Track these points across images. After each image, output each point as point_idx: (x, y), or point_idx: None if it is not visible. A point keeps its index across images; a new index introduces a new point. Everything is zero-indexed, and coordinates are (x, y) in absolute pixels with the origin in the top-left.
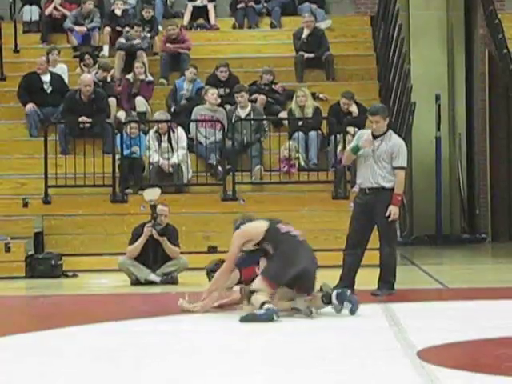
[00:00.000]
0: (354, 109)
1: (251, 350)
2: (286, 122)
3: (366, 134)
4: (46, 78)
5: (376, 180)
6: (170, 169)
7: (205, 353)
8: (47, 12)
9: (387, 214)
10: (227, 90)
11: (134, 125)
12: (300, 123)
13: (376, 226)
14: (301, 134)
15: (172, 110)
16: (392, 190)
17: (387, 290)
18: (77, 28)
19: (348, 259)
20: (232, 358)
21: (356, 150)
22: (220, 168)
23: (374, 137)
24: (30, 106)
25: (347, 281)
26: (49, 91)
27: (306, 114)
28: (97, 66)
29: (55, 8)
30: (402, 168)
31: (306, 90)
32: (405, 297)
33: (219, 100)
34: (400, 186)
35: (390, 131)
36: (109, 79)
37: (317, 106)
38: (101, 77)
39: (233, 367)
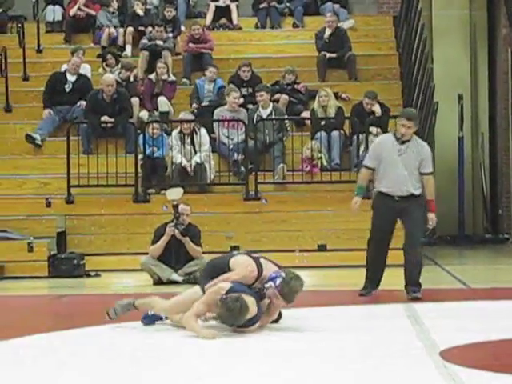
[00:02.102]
0: (377, 109)
1: (272, 349)
2: (308, 122)
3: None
4: (72, 78)
5: (408, 188)
6: (192, 170)
7: (227, 353)
8: (71, 13)
9: (430, 223)
10: (250, 90)
11: (155, 125)
12: (322, 123)
13: (404, 227)
14: (323, 133)
15: (194, 108)
16: (419, 196)
17: (419, 288)
18: (107, 29)
19: (374, 259)
20: (253, 358)
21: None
22: (242, 168)
23: (400, 141)
24: (46, 112)
25: (374, 281)
26: (68, 90)
27: (328, 114)
28: (119, 65)
29: (79, 8)
30: (432, 173)
31: (329, 89)
32: (427, 297)
33: (242, 100)
34: (433, 192)
35: (415, 136)
36: (132, 79)
37: (339, 105)
38: (124, 76)
39: (254, 368)
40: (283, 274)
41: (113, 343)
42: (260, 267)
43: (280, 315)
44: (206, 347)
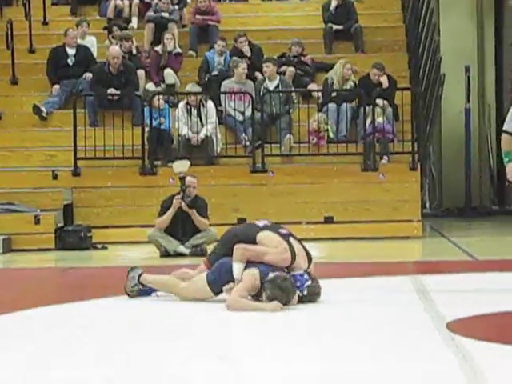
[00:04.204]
0: (384, 80)
1: (281, 323)
2: (315, 94)
3: None
4: (72, 51)
5: None
6: (199, 142)
7: (236, 324)
8: None
9: None
10: (252, 60)
11: (162, 97)
12: (334, 94)
13: None
14: (333, 105)
15: (205, 80)
16: None
17: None
18: (113, 1)
19: None
20: (264, 334)
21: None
22: (248, 142)
23: None
24: (55, 89)
25: None
26: (71, 64)
27: (346, 86)
28: (118, 38)
29: None
30: None
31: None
32: (434, 269)
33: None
34: None
35: None
36: (134, 51)
37: (354, 79)
38: (125, 48)
39: (269, 347)
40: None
41: (121, 315)
42: (294, 255)
43: None
44: (226, 318)
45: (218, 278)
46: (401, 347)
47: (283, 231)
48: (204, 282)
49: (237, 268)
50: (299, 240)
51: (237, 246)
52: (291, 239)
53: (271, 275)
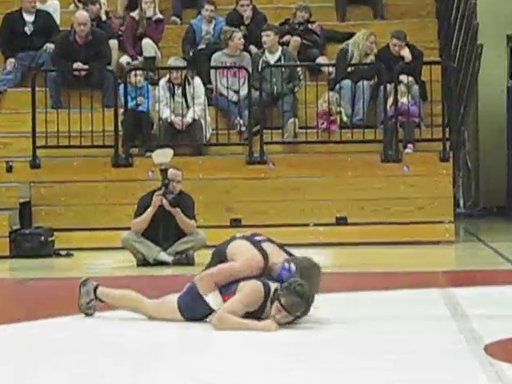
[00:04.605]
0: (406, 53)
1: (293, 343)
2: (325, 69)
3: None
4: (30, 17)
5: None
6: (184, 127)
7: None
8: None
9: None
10: (250, 30)
11: (139, 72)
12: (349, 69)
13: None
14: (348, 82)
15: (190, 54)
16: None
17: None
18: None
19: None
20: (276, 354)
21: None
22: (244, 127)
23: None
24: (10, 63)
25: None
26: (29, 32)
27: (368, 61)
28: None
29: None
30: None
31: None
32: (469, 280)
33: (242, 41)
34: None
35: None
36: (103, 17)
37: (375, 53)
38: (92, 14)
39: (280, 366)
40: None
41: (85, 336)
42: (265, 255)
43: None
44: (196, 341)
45: (191, 302)
46: (430, 374)
47: (258, 238)
48: (175, 304)
49: (211, 300)
50: (281, 245)
51: (200, 276)
52: (265, 243)
53: (287, 281)
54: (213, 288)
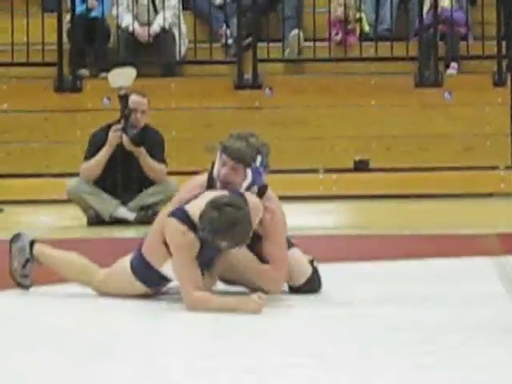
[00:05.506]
0: None
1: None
2: None
3: None
4: None
5: None
6: (151, 39)
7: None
8: None
9: None
10: None
11: None
12: None
13: None
14: None
15: None
16: None
17: None
18: None
19: None
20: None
21: None
22: (231, 40)
23: None
24: None
25: None
26: None
27: None
28: None
29: None
30: None
31: None
32: None
33: None
34: None
35: None
36: None
37: None
38: None
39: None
40: None
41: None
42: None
43: (320, 283)
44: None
45: (144, 270)
46: (482, 369)
47: None
48: (128, 269)
49: (169, 273)
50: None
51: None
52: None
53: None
54: (165, 255)
